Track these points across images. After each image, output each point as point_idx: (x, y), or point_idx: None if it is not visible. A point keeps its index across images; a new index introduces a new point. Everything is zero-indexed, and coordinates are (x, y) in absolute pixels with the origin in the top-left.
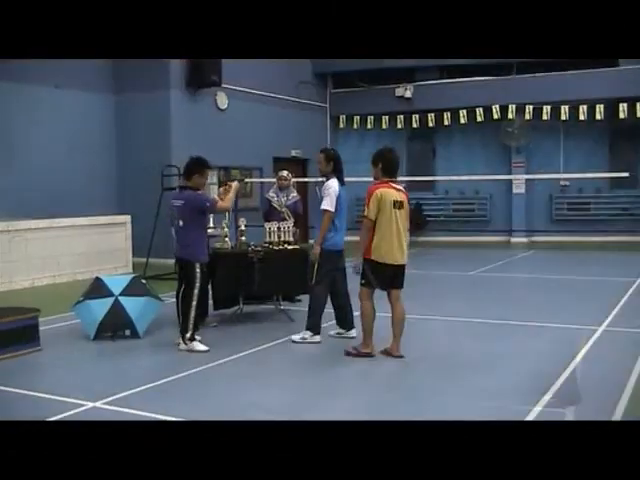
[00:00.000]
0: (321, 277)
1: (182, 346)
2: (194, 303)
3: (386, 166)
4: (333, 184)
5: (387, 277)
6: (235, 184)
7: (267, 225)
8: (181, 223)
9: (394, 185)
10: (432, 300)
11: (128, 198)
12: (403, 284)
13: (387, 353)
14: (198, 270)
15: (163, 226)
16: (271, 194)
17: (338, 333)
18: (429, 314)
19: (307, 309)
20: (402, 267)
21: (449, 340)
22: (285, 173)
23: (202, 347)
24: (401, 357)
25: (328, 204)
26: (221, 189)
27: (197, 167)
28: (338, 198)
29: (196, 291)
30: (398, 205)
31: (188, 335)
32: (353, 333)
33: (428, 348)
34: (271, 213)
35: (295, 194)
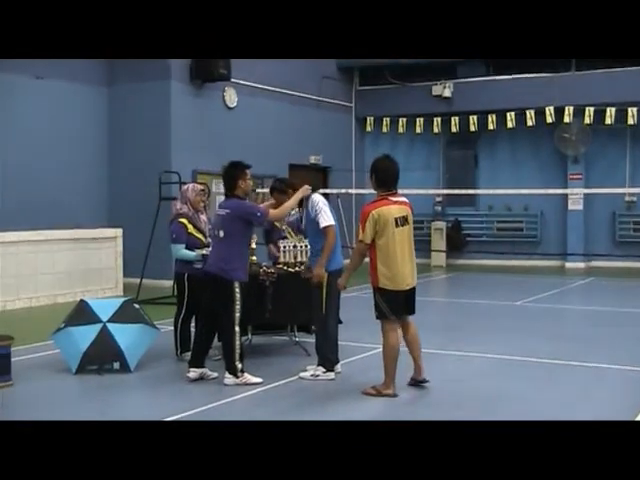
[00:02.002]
0: (330, 303)
1: (229, 380)
2: (237, 329)
3: (381, 177)
4: (319, 197)
5: (400, 304)
6: (304, 188)
7: (282, 243)
8: (222, 234)
9: (393, 199)
10: (470, 334)
11: (120, 208)
12: (415, 309)
13: (413, 381)
14: (238, 290)
15: (160, 242)
16: None
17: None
18: (465, 350)
19: (316, 342)
20: (413, 290)
21: (487, 381)
22: None
23: (256, 379)
24: (426, 381)
25: (327, 218)
26: (267, 202)
27: (238, 172)
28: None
29: (237, 315)
30: (401, 222)
31: (239, 366)
32: (338, 368)
33: (460, 390)
34: (272, 232)
35: (300, 208)
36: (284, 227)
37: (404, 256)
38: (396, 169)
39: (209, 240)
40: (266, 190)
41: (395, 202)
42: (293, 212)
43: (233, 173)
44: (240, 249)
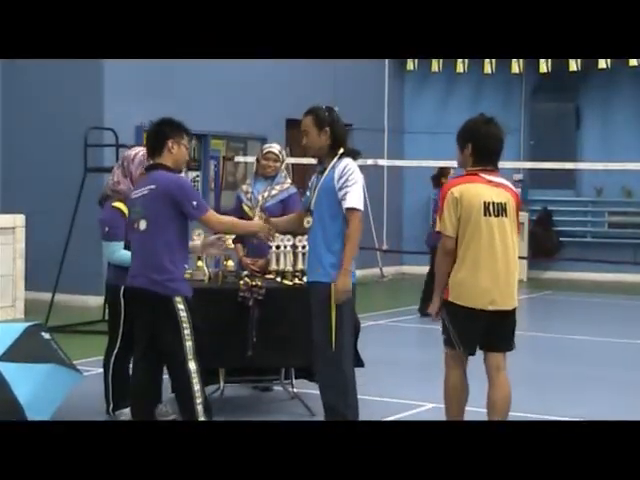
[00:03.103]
0: (344, 335)
1: None
2: (192, 367)
3: (481, 149)
4: (356, 167)
5: (477, 331)
6: (259, 225)
7: (274, 241)
8: (144, 225)
9: (487, 177)
10: (566, 388)
11: (21, 185)
12: (511, 343)
13: None
14: (182, 308)
15: (84, 236)
16: (244, 188)
17: None
18: (562, 413)
19: (322, 394)
20: (507, 315)
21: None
22: (277, 149)
23: None
24: None
25: (359, 200)
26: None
27: (171, 130)
28: None
29: (189, 344)
30: (495, 210)
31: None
32: None
33: None
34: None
35: (288, 184)
36: (259, 215)
37: (493, 260)
38: (502, 139)
39: None
40: (250, 159)
41: (490, 182)
42: (275, 192)
43: (165, 129)
44: (176, 248)
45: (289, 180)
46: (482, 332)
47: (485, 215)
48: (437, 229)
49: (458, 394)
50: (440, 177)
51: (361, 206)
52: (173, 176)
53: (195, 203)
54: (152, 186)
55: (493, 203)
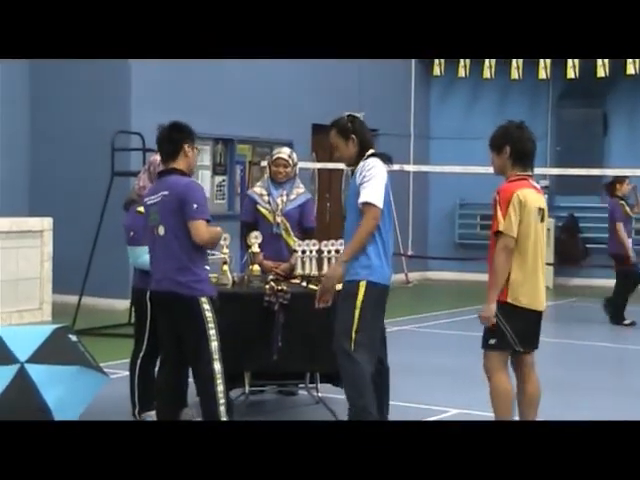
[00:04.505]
0: (366, 335)
1: None
2: (217, 367)
3: (519, 151)
4: (377, 163)
5: (533, 329)
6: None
7: (300, 246)
8: (162, 230)
9: (533, 183)
10: (588, 396)
11: (48, 189)
12: (539, 341)
13: None
14: (208, 308)
15: (111, 240)
16: (257, 190)
17: None
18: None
19: (346, 395)
20: (541, 315)
21: None
22: (286, 154)
23: None
24: None
25: (374, 195)
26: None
27: (186, 134)
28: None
29: (214, 344)
30: (541, 215)
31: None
32: None
33: None
34: (254, 225)
35: (302, 190)
36: (279, 219)
37: (541, 263)
38: (535, 142)
39: None
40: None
41: (535, 187)
42: (296, 197)
43: (178, 134)
44: (196, 250)
45: (302, 185)
46: (531, 331)
47: (539, 221)
48: (500, 229)
49: (511, 396)
50: (615, 184)
51: (377, 201)
52: (186, 179)
53: (196, 206)
54: (165, 192)
55: (540, 209)
